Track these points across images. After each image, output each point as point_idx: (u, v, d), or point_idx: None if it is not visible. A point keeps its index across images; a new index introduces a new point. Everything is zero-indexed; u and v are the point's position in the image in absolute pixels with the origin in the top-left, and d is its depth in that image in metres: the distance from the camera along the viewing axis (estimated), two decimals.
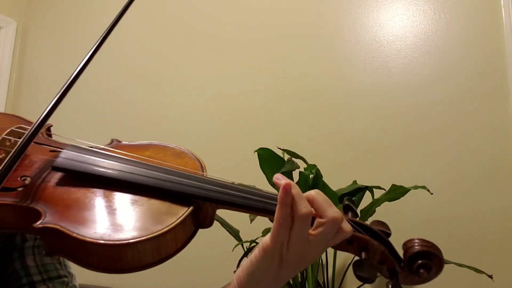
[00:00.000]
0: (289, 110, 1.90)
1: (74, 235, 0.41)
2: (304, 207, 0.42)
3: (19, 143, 0.43)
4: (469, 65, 1.62)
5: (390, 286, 0.46)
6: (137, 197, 0.46)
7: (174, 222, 0.43)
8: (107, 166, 0.49)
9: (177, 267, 1.90)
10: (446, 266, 1.40)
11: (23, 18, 2.76)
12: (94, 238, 0.41)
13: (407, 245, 0.48)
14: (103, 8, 2.48)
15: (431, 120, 1.64)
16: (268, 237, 0.44)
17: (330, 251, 1.46)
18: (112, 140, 0.60)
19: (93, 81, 2.35)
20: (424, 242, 0.47)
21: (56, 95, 0.48)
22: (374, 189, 1.37)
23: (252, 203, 0.47)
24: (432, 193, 1.29)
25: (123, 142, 0.60)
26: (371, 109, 1.74)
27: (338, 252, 1.43)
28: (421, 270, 0.46)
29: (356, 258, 0.48)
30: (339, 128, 1.79)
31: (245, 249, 1.36)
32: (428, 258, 0.46)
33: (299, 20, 1.97)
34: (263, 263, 0.44)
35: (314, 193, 0.45)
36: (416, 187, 1.30)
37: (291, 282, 1.42)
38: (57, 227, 0.42)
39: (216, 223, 1.39)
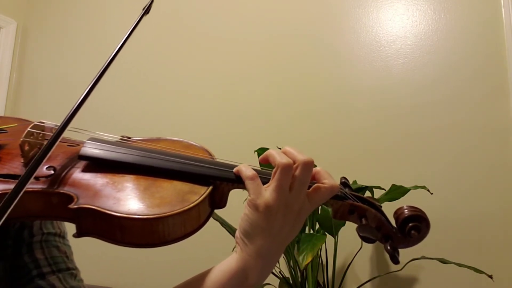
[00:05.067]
0: (289, 110, 1.90)
1: (109, 212, 0.44)
2: (284, 158, 0.48)
3: (55, 132, 0.45)
4: (469, 65, 1.62)
5: (359, 229, 0.53)
6: (161, 180, 0.50)
7: (198, 199, 0.48)
8: (130, 153, 0.53)
9: (177, 267, 1.90)
10: (446, 266, 1.40)
11: (23, 18, 2.76)
12: (128, 214, 0.44)
13: (397, 213, 0.54)
14: (103, 8, 2.48)
15: (431, 120, 1.64)
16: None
17: (330, 251, 1.46)
18: (123, 136, 0.62)
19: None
20: (412, 207, 0.54)
21: (81, 95, 0.52)
22: (374, 189, 1.37)
23: (264, 181, 0.51)
24: (432, 193, 1.29)
25: (133, 138, 0.62)
26: (371, 109, 1.74)
27: (338, 252, 1.43)
28: (413, 232, 0.52)
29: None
30: (339, 128, 1.79)
31: None
32: (417, 221, 0.53)
33: (299, 21, 1.97)
34: (252, 217, 0.48)
35: (287, 147, 0.51)
36: (416, 187, 1.30)
37: (291, 282, 1.43)
38: (92, 207, 0.45)
39: (216, 223, 1.39)
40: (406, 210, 0.54)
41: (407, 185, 1.29)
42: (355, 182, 1.49)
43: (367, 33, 1.82)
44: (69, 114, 0.48)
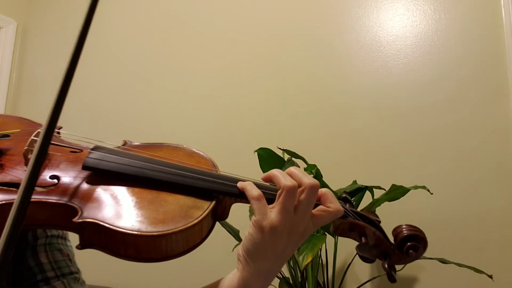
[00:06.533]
0: (289, 110, 1.90)
1: (113, 228, 0.44)
2: (289, 181, 0.48)
3: (37, 145, 0.41)
4: (469, 65, 1.62)
5: (358, 249, 0.54)
6: (164, 193, 0.50)
7: (201, 215, 0.48)
8: (134, 165, 0.52)
9: (177, 267, 1.90)
10: (446, 266, 1.39)
11: (23, 18, 2.76)
12: (132, 230, 0.44)
13: (396, 231, 0.55)
14: (103, 8, 2.47)
15: (431, 120, 1.64)
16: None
17: (330, 251, 1.46)
18: (125, 142, 0.62)
19: (97, 83, 2.35)
20: (410, 227, 0.55)
21: (57, 94, 0.46)
22: (374, 189, 1.37)
23: (269, 197, 0.50)
24: (432, 193, 1.29)
25: (135, 143, 0.62)
26: (371, 109, 1.74)
27: (338, 252, 1.43)
28: (410, 251, 0.53)
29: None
30: (339, 128, 1.79)
31: None
32: (415, 241, 0.54)
33: (299, 20, 1.97)
34: (256, 237, 0.48)
35: (292, 168, 0.51)
36: (416, 187, 1.30)
37: (291, 282, 1.43)
38: (96, 221, 0.44)
39: (216, 223, 1.39)
40: (405, 230, 0.54)
41: (407, 185, 1.29)
42: (355, 182, 1.49)
43: (367, 33, 1.81)
44: (52, 112, 0.43)
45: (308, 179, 0.48)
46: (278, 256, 0.49)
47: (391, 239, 0.56)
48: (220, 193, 0.51)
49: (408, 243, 0.53)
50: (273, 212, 0.47)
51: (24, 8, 2.77)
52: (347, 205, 0.57)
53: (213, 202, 0.50)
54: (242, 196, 0.51)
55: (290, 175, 0.50)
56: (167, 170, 0.52)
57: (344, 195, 0.59)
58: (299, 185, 0.48)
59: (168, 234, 0.45)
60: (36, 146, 0.41)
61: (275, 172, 0.50)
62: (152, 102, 2.22)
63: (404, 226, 0.55)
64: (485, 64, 1.59)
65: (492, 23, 1.61)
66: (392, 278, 0.51)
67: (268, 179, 0.51)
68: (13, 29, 2.67)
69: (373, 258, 0.54)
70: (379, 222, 0.57)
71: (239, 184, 0.51)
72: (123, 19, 2.38)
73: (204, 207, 0.49)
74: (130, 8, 2.39)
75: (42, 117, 0.61)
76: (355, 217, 0.55)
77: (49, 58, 2.61)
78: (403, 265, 1.35)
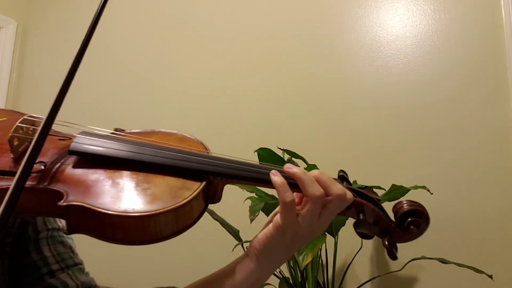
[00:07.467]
0: (289, 110, 1.90)
1: (99, 209, 0.43)
2: (317, 190, 0.47)
3: (40, 127, 0.43)
4: (469, 65, 1.62)
5: (356, 225, 0.52)
6: (152, 175, 0.49)
7: (190, 195, 0.47)
8: (121, 148, 0.52)
9: (178, 267, 1.90)
10: (446, 266, 1.39)
11: (23, 18, 2.76)
12: (119, 211, 0.43)
13: (396, 207, 0.54)
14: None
15: (431, 120, 1.64)
16: (278, 216, 0.49)
17: (330, 251, 1.46)
18: (116, 129, 0.62)
19: (96, 83, 2.35)
20: (411, 202, 0.53)
21: (61, 87, 0.47)
22: (374, 189, 1.37)
23: (260, 176, 0.50)
24: (432, 193, 1.29)
25: (127, 131, 0.62)
26: (371, 109, 1.74)
27: (338, 252, 1.43)
28: (411, 227, 0.51)
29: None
30: (339, 128, 1.79)
31: (245, 249, 1.36)
32: (416, 216, 0.52)
33: (299, 20, 1.97)
34: (277, 237, 0.49)
35: (318, 173, 0.49)
36: (416, 187, 1.30)
37: (291, 282, 1.43)
38: (82, 204, 0.44)
39: (216, 223, 1.39)
40: (405, 205, 0.53)
41: (407, 185, 1.29)
42: (355, 182, 1.49)
43: (367, 33, 1.81)
44: (53, 104, 0.45)
45: (336, 189, 0.48)
46: (293, 252, 0.51)
47: (392, 217, 0.55)
48: (211, 174, 0.50)
49: (409, 219, 0.51)
50: (298, 219, 0.48)
51: (24, 8, 2.78)
52: (344, 183, 0.56)
53: (203, 183, 0.49)
54: (232, 176, 0.50)
55: (318, 181, 0.48)
56: (155, 151, 0.51)
57: (341, 173, 0.59)
58: (326, 194, 0.48)
59: (157, 214, 0.44)
60: (35, 137, 0.42)
61: (302, 175, 0.47)
62: (152, 102, 2.22)
63: (404, 202, 0.53)
64: (485, 64, 1.59)
65: (492, 23, 1.61)
66: (393, 255, 0.50)
67: (291, 175, 0.48)
68: (13, 29, 2.67)
69: (372, 234, 0.53)
70: (379, 200, 0.55)
71: (274, 179, 0.48)
72: (123, 19, 2.38)
73: (194, 187, 0.48)
74: (130, 8, 2.39)
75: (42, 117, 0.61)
76: (352, 194, 0.54)
77: (49, 58, 2.61)
78: (403, 265, 1.35)
